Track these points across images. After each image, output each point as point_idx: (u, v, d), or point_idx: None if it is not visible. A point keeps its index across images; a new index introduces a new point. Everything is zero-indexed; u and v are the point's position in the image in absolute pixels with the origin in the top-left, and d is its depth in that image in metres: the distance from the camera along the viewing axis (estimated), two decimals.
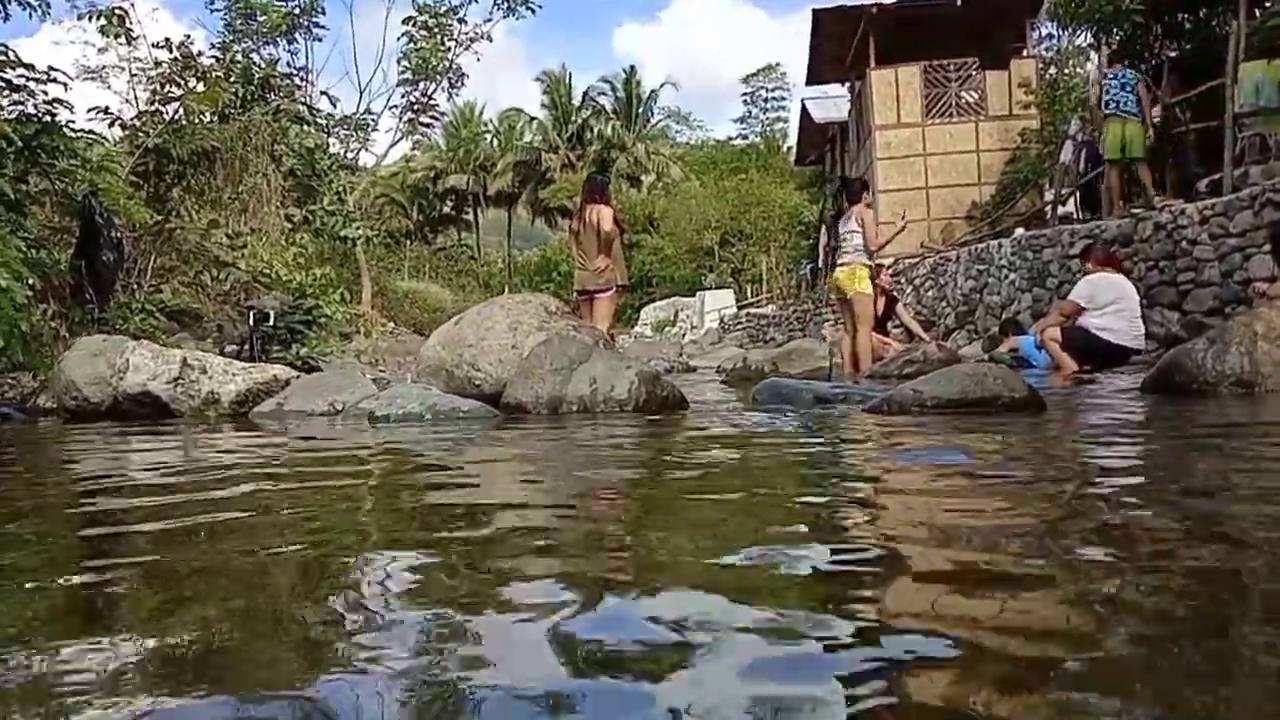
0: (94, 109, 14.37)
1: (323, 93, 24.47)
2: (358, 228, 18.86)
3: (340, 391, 5.58)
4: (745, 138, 60.07)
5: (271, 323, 9.67)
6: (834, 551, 1.45)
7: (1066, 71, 21.94)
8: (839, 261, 8.65)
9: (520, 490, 2.42)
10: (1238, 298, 8.03)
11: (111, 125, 14.40)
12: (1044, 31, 24.54)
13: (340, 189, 19.44)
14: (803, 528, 1.70)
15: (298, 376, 6.23)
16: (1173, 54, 13.96)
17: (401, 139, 27.76)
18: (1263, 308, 4.31)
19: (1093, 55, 16.41)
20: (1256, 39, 10.46)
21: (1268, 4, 10.96)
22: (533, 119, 51.96)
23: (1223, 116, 10.45)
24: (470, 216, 54.31)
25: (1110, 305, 7.41)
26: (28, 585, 1.44)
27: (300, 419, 5.51)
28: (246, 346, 9.39)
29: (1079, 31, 16.51)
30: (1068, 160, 14.59)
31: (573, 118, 50.78)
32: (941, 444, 2.84)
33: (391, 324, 20.77)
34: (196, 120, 14.10)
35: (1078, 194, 14.16)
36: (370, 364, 12.95)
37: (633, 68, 53.71)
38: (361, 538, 1.78)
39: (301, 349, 10.34)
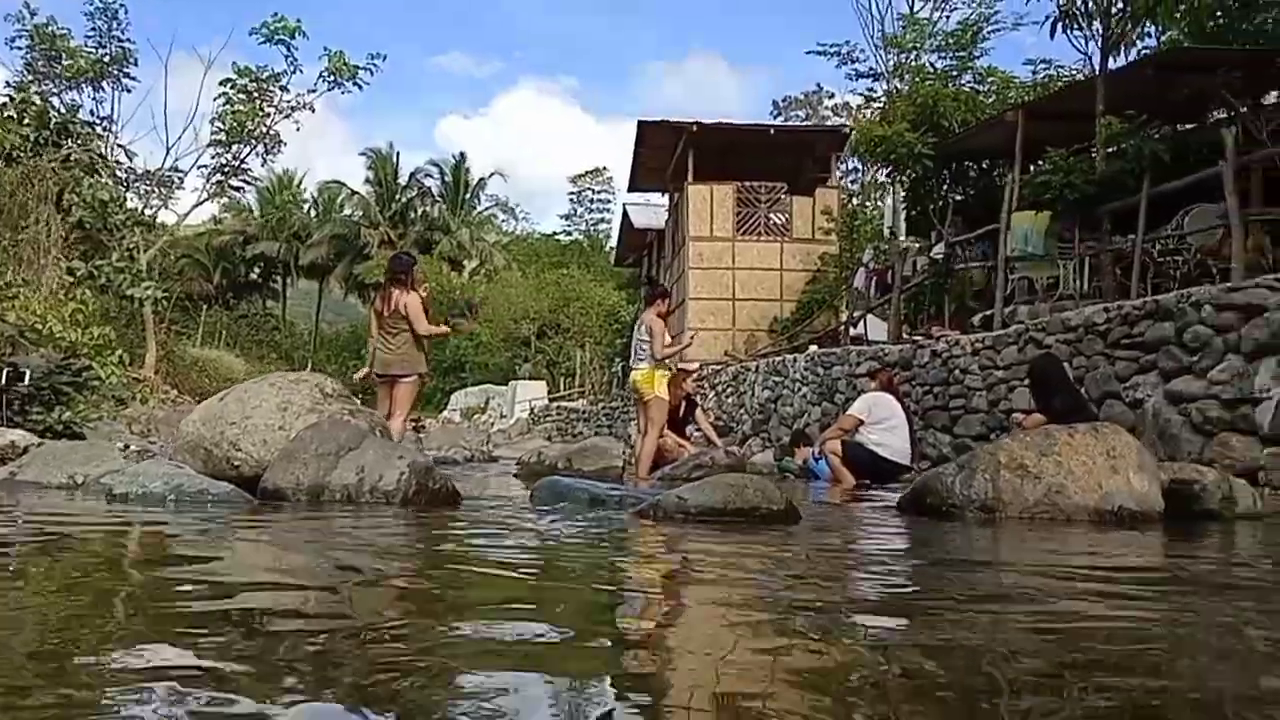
0: None
1: (119, 145, 23.21)
2: (147, 287, 17.76)
3: (85, 464, 5.13)
4: (570, 234, 61.17)
5: (27, 382, 8.82)
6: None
7: (868, 204, 23.59)
8: (634, 365, 8.73)
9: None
10: (1002, 426, 8.61)
11: None
12: (849, 165, 26.44)
13: (133, 246, 18.36)
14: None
15: (40, 444, 5.69)
16: (958, 198, 15.29)
17: (208, 200, 26.63)
18: (1008, 439, 4.61)
19: (889, 190, 17.72)
20: (1027, 191, 11.56)
21: (1039, 161, 12.16)
22: (354, 193, 50.85)
23: (997, 258, 11.43)
24: (279, 285, 52.32)
25: (886, 420, 7.83)
26: None
27: (34, 491, 5.03)
28: None
29: (878, 168, 17.87)
30: (860, 286, 15.57)
31: (397, 196, 50.12)
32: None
33: (175, 391, 19.49)
34: None
35: (868, 317, 15.08)
36: (142, 433, 12.04)
37: (463, 154, 53.71)
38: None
39: (65, 413, 9.47)
